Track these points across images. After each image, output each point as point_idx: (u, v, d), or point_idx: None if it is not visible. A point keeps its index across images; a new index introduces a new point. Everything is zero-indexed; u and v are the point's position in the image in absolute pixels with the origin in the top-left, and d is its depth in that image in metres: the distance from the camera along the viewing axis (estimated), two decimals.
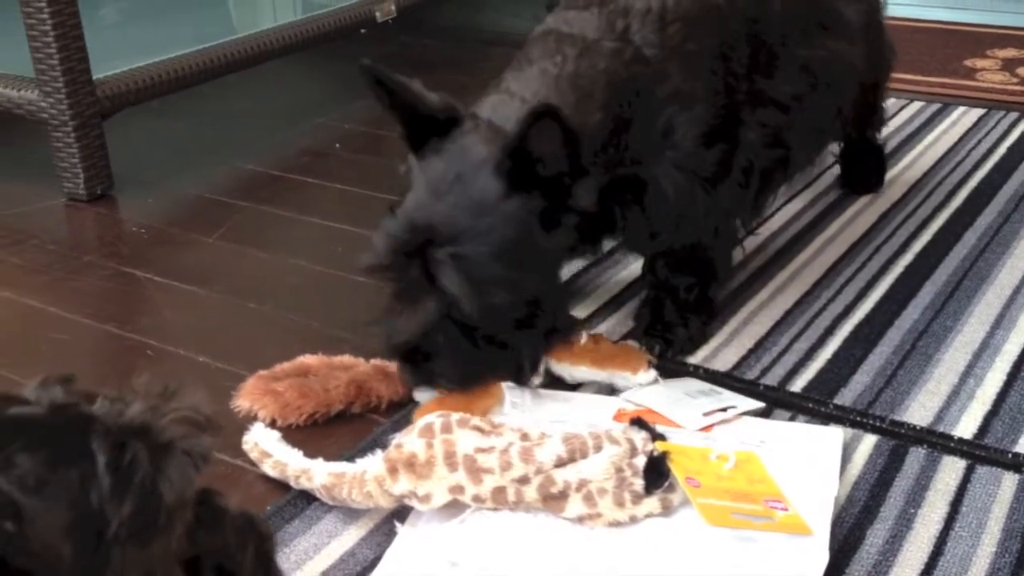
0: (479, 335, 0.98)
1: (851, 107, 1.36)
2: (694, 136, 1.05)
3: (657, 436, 0.90)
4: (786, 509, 0.86)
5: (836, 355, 1.15)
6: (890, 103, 1.90)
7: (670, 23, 1.05)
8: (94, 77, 1.61)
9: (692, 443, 0.94)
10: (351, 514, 0.92)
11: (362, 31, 2.21)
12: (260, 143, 1.89)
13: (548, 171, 0.94)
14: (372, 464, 0.90)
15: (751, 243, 1.41)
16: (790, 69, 1.16)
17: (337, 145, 1.87)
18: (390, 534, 0.89)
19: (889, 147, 1.71)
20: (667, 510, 0.87)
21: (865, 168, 1.55)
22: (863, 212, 1.50)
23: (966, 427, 1.01)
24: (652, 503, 0.86)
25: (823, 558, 0.82)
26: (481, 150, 0.95)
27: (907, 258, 1.36)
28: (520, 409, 1.00)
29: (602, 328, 1.20)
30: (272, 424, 1.02)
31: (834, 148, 1.56)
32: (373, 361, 1.08)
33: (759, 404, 1.04)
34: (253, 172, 1.76)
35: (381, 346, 1.03)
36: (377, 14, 2.13)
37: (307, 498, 0.93)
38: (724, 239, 1.18)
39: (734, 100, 1.09)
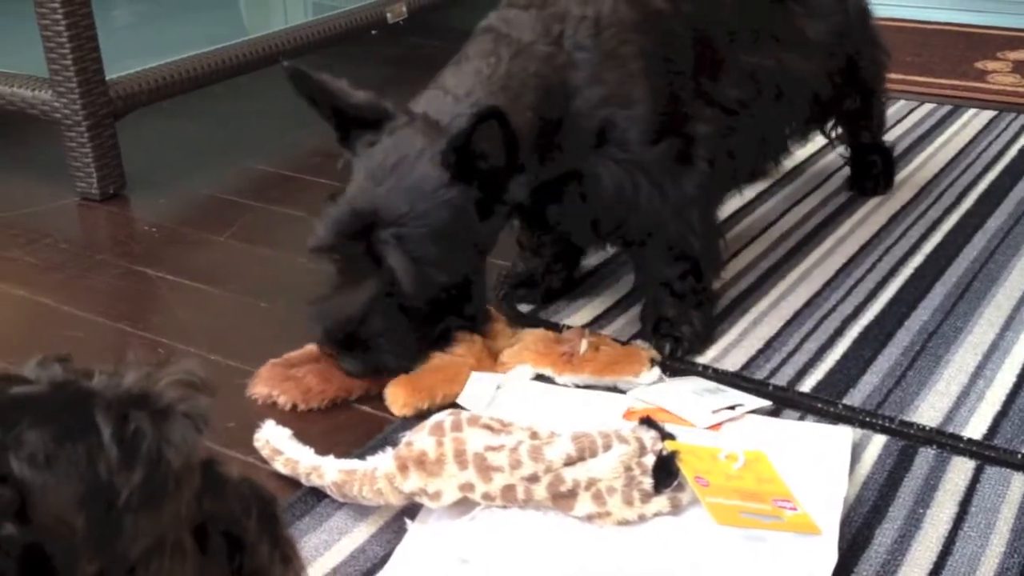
0: (413, 316, 1.05)
1: (818, 115, 1.42)
2: (638, 133, 1.09)
3: (666, 435, 0.91)
4: (795, 509, 0.86)
5: (845, 356, 1.15)
6: (900, 105, 1.90)
7: (605, 28, 1.08)
8: (107, 77, 1.62)
9: (701, 442, 0.94)
10: (361, 511, 0.92)
11: (373, 32, 2.22)
12: (271, 143, 1.90)
13: (486, 165, 1.01)
14: (383, 462, 0.90)
15: (762, 243, 1.41)
16: (735, 74, 1.19)
17: None
18: (400, 531, 0.89)
19: (900, 149, 1.70)
20: (676, 509, 0.87)
21: (873, 170, 1.56)
22: (873, 213, 1.50)
23: (975, 428, 1.01)
24: (661, 502, 0.86)
25: (832, 557, 0.82)
26: (419, 141, 1.02)
27: (917, 259, 1.36)
28: (509, 393, 1.00)
29: (610, 329, 1.21)
30: (292, 409, 1.03)
31: (843, 150, 1.57)
32: None
33: (766, 402, 1.04)
34: (264, 172, 1.77)
35: (316, 333, 1.07)
36: (388, 15, 2.13)
37: (318, 495, 0.94)
38: (699, 226, 1.16)
39: (679, 99, 1.12)
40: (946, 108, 1.91)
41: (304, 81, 1.07)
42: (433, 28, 2.54)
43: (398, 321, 1.05)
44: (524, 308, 1.26)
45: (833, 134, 1.54)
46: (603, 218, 1.13)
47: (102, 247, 1.52)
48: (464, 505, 0.88)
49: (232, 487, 0.51)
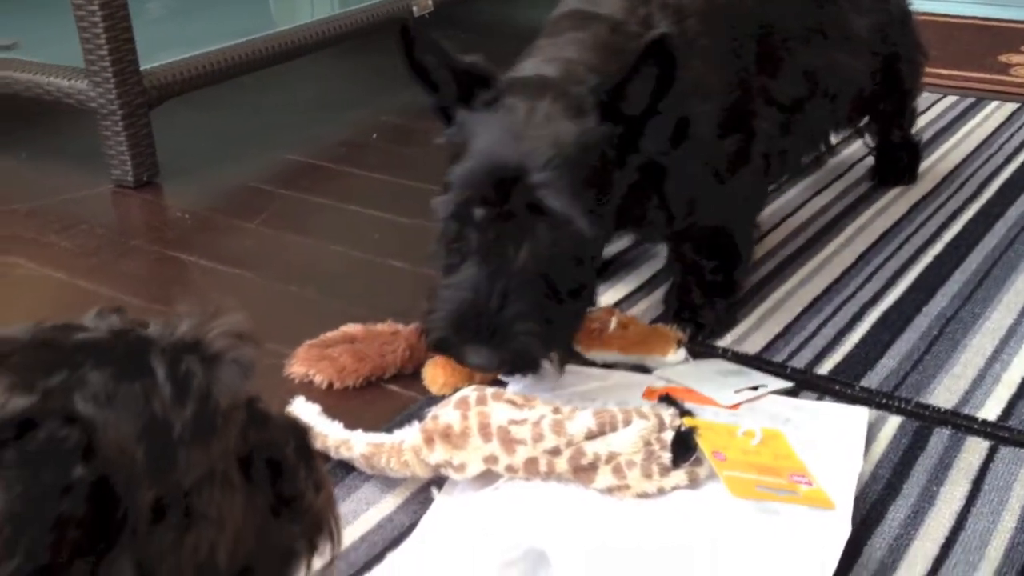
0: (552, 297, 0.94)
1: (859, 113, 1.42)
2: (710, 127, 1.09)
3: (685, 412, 0.93)
4: (810, 484, 0.88)
5: (864, 340, 1.17)
6: (924, 97, 1.91)
7: (687, 17, 1.08)
8: (141, 68, 1.66)
9: (719, 420, 0.96)
10: (389, 483, 0.95)
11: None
12: (299, 134, 1.93)
13: (630, 110, 0.96)
14: (409, 435, 0.93)
15: (782, 232, 1.43)
16: (792, 72, 1.20)
17: (374, 136, 1.91)
18: (426, 502, 0.92)
19: (922, 140, 1.72)
20: (694, 483, 0.89)
21: (899, 162, 1.57)
22: (894, 202, 1.52)
23: (991, 409, 1.03)
24: (679, 475, 0.89)
25: (845, 530, 0.84)
26: (550, 95, 0.95)
27: (937, 247, 1.37)
28: (540, 376, 1.03)
29: (634, 311, 1.23)
30: (329, 387, 1.08)
31: (868, 140, 1.58)
32: (412, 326, 1.12)
33: (787, 384, 1.06)
34: (293, 161, 1.81)
35: (436, 321, 0.95)
36: (414, 9, 2.16)
37: (346, 468, 0.97)
38: (744, 224, 1.21)
39: (746, 94, 1.13)
40: (969, 100, 1.91)
41: (420, 40, 1.00)
42: (459, 21, 2.56)
43: (544, 301, 0.93)
44: None
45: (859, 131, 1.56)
46: (676, 213, 1.10)
47: (136, 233, 1.56)
48: (488, 477, 0.91)
49: (273, 421, 0.55)
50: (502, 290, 0.91)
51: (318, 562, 0.58)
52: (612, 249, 1.36)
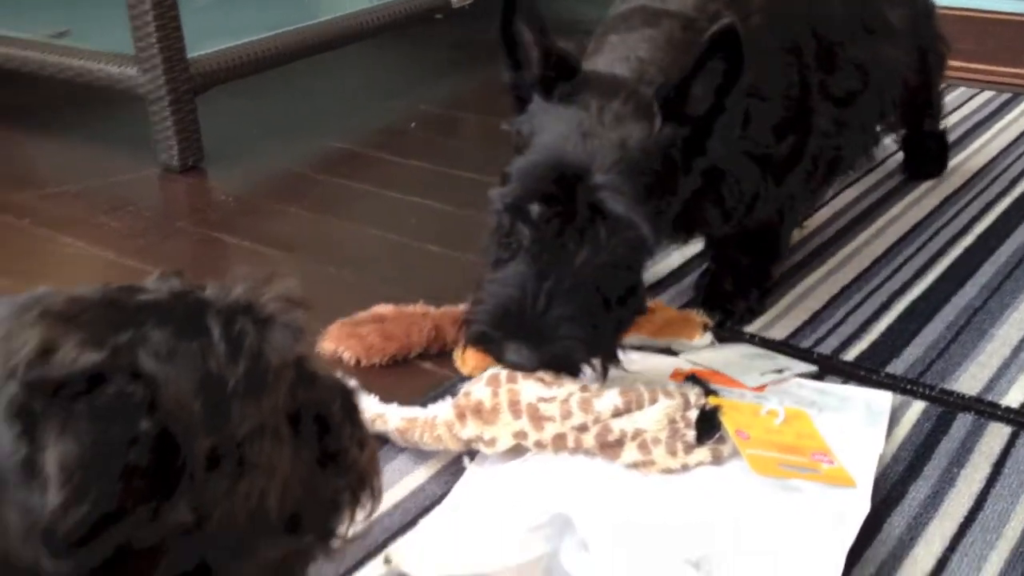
0: (601, 302, 0.93)
1: (899, 105, 1.41)
2: (768, 127, 1.10)
3: (710, 392, 0.95)
4: (832, 462, 0.90)
5: (890, 328, 1.18)
6: (960, 92, 1.91)
7: (752, 14, 1.08)
8: (189, 55, 1.70)
9: (744, 401, 0.98)
10: (422, 455, 0.99)
11: (438, 16, 2.29)
12: (341, 121, 1.98)
13: (694, 111, 0.95)
14: (442, 410, 0.97)
15: (814, 221, 1.44)
16: (847, 67, 1.22)
17: (413, 124, 1.95)
18: (457, 473, 0.95)
19: (957, 134, 1.72)
20: (717, 460, 0.91)
21: (927, 155, 1.58)
22: (926, 195, 1.53)
23: (1014, 397, 1.05)
24: (703, 453, 0.91)
25: (864, 508, 0.86)
26: (622, 95, 0.95)
27: (968, 239, 1.38)
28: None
29: (663, 297, 1.26)
30: (356, 364, 1.12)
31: (895, 136, 1.59)
32: (443, 308, 1.15)
33: (812, 368, 1.08)
34: (334, 148, 1.85)
35: (479, 317, 0.93)
36: (453, 0, 2.20)
37: (381, 440, 1.00)
38: (788, 222, 1.23)
39: (806, 92, 1.14)
40: (1005, 96, 1.91)
41: (523, 11, 0.97)
42: (497, 12, 2.60)
43: (592, 304, 0.92)
44: None
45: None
46: (735, 215, 1.11)
47: (181, 215, 1.61)
48: (517, 452, 0.94)
49: (321, 380, 0.58)
50: (550, 290, 0.90)
51: (360, 515, 0.61)
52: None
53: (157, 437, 0.45)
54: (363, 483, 0.61)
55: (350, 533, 0.60)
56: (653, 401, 0.94)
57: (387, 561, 0.80)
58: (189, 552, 0.49)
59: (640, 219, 0.90)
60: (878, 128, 1.39)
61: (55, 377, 0.44)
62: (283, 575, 0.56)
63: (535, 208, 0.91)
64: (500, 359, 0.94)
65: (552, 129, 0.94)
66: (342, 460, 0.58)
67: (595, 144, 0.91)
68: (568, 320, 0.90)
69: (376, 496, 0.62)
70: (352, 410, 0.60)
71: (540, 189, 0.91)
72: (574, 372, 0.94)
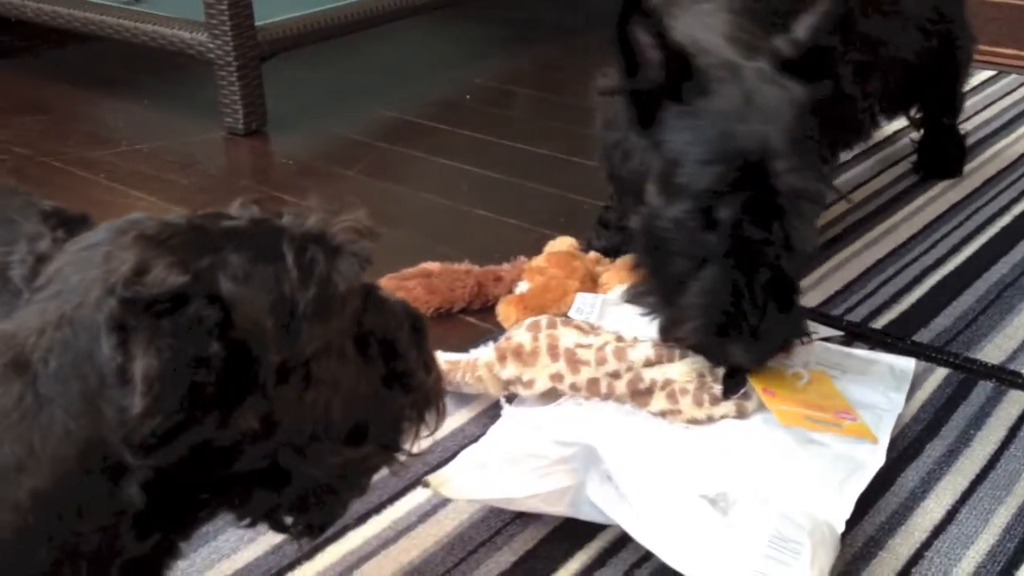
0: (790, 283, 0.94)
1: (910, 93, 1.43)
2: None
3: None
4: (854, 419, 0.95)
5: (921, 300, 1.22)
6: (1011, 79, 1.92)
7: None
8: (257, 23, 1.78)
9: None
10: (463, 399, 1.05)
11: None
12: (398, 91, 2.04)
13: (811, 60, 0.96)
14: (484, 352, 1.03)
15: (853, 198, 1.48)
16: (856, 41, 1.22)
17: (467, 96, 2.01)
18: (495, 416, 1.01)
19: (1004, 120, 1.74)
20: (742, 414, 0.96)
21: (943, 154, 1.56)
22: (966, 177, 1.55)
23: None
24: (728, 406, 0.96)
25: (879, 460, 0.91)
26: (755, 76, 0.95)
27: (1005, 219, 1.41)
28: (584, 317, 1.11)
29: None
30: None
31: (913, 134, 1.59)
32: (487, 267, 1.22)
33: (839, 333, 1.13)
34: (390, 117, 1.92)
35: (691, 322, 0.94)
36: None
37: None
38: None
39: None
40: None
41: (642, 12, 0.93)
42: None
43: (787, 287, 0.94)
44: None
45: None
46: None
47: (244, 175, 1.69)
48: (552, 397, 1.00)
49: (389, 306, 0.63)
50: (753, 289, 0.91)
51: (425, 432, 0.66)
52: None
53: (229, 353, 0.51)
54: (428, 403, 0.65)
55: (415, 449, 0.65)
56: (683, 356, 0.99)
57: (425, 485, 0.86)
58: (262, 453, 0.55)
59: (822, 188, 0.92)
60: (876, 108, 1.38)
61: (146, 296, 0.49)
62: (349, 479, 0.61)
63: (725, 213, 0.90)
64: (720, 362, 0.96)
65: (706, 131, 0.92)
66: (408, 381, 0.63)
67: (761, 133, 0.90)
68: (774, 314, 0.92)
69: (441, 414, 0.67)
70: (420, 336, 0.64)
71: (724, 190, 0.90)
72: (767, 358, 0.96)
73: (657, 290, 1.00)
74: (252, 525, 0.61)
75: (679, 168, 0.93)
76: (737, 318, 0.92)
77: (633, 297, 1.04)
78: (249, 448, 0.54)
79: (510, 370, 1.00)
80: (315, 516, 0.62)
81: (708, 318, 0.93)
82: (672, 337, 0.98)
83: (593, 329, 1.01)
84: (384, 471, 0.65)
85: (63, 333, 0.51)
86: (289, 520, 0.61)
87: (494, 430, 0.97)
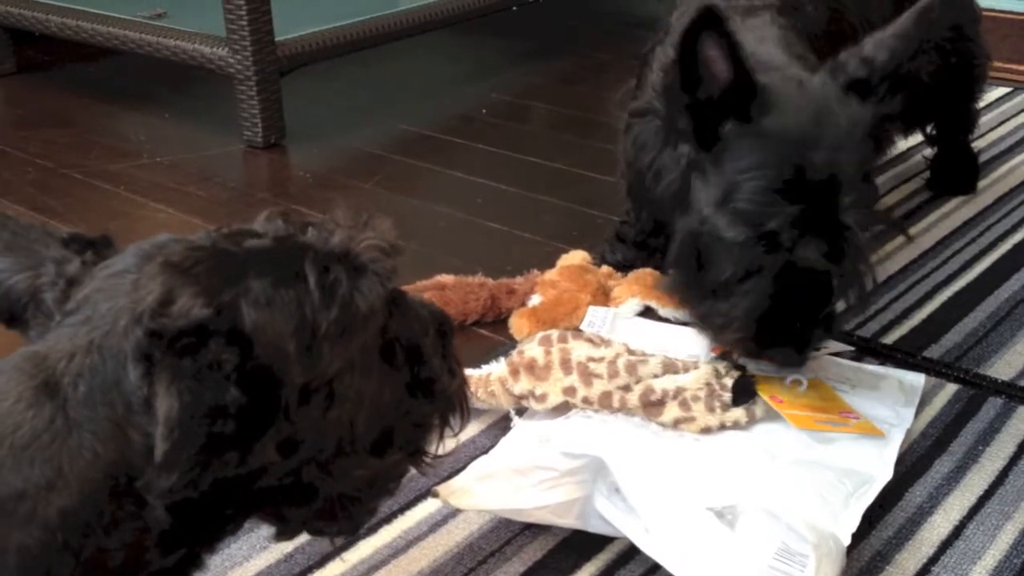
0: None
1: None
2: None
3: (738, 367, 1.01)
4: (858, 418, 0.96)
5: (932, 316, 1.22)
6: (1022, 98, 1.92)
7: None
8: (276, 38, 1.81)
9: (778, 374, 1.04)
10: (474, 412, 1.05)
11: (514, 8, 2.36)
12: (415, 106, 2.07)
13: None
14: (496, 367, 1.04)
15: None
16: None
17: (483, 111, 2.03)
18: (505, 429, 1.02)
19: (1018, 136, 1.74)
20: (751, 420, 0.97)
21: (956, 171, 1.56)
22: (981, 193, 1.55)
23: None
24: (739, 412, 0.96)
25: (887, 474, 0.91)
26: (822, 96, 0.95)
27: (1017, 236, 1.41)
28: (596, 330, 1.12)
29: None
30: None
31: (927, 151, 1.59)
32: (500, 280, 1.23)
33: (848, 348, 1.13)
34: (406, 131, 1.94)
35: (740, 325, 0.96)
36: None
37: None
38: None
39: None
40: None
41: (715, 28, 0.92)
42: (572, 7, 2.66)
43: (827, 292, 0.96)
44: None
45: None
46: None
47: (263, 188, 1.71)
48: (563, 410, 1.01)
49: (415, 312, 0.64)
50: (799, 294, 0.93)
51: (450, 434, 0.67)
52: None
53: (250, 387, 0.51)
54: (452, 407, 0.67)
55: (440, 451, 0.66)
56: (687, 370, 1.00)
57: (435, 495, 0.88)
58: (285, 471, 0.56)
59: (884, 223, 0.97)
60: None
61: (172, 329, 0.50)
62: (377, 488, 0.63)
63: (787, 239, 0.91)
64: (767, 359, 1.00)
65: (773, 155, 0.93)
66: (433, 387, 0.64)
67: (831, 162, 0.92)
68: (817, 322, 0.96)
69: (465, 418, 0.67)
70: (444, 340, 0.65)
71: (788, 213, 0.91)
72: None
73: (696, 295, 1.01)
74: (281, 537, 0.62)
75: (742, 192, 0.93)
76: (782, 330, 0.95)
77: (674, 292, 1.06)
78: (272, 468, 0.55)
79: (523, 384, 1.01)
80: (344, 524, 0.63)
81: (754, 328, 0.95)
82: (720, 341, 1.00)
83: (604, 342, 1.03)
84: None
85: (92, 359, 0.52)
86: (320, 526, 0.62)
87: (504, 442, 0.99)
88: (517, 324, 1.20)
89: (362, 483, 0.61)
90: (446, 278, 1.27)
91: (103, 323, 0.53)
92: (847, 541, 0.81)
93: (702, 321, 1.02)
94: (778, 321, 0.94)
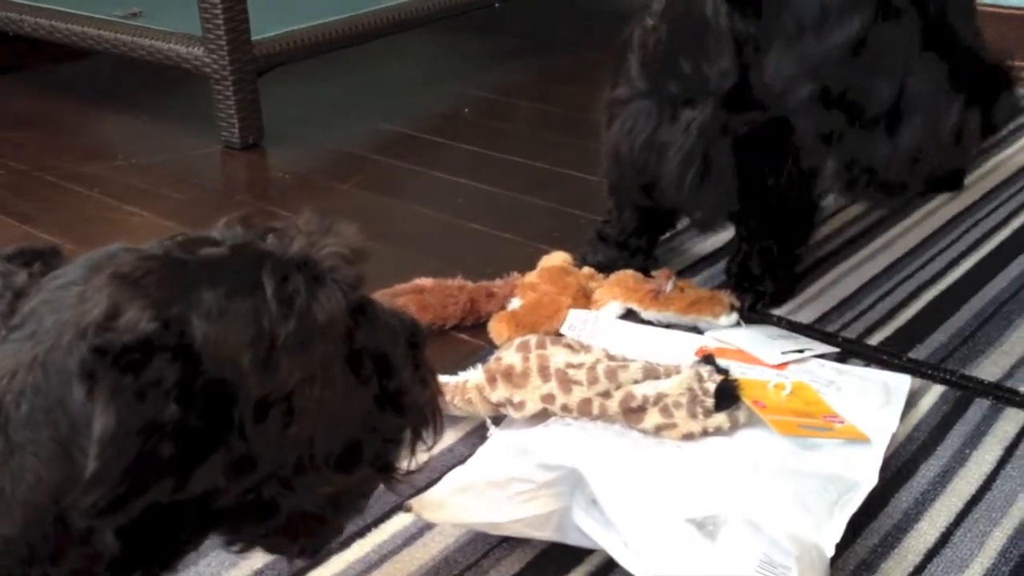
0: None
1: None
2: None
3: (721, 370, 0.99)
4: (843, 422, 0.94)
5: (917, 316, 1.20)
6: None
7: None
8: (253, 37, 1.78)
9: (752, 376, 1.02)
10: (452, 420, 1.03)
11: (496, 5, 2.34)
12: (395, 104, 2.04)
13: None
14: (473, 374, 1.02)
15: (852, 211, 1.47)
16: None
17: (466, 110, 2.00)
18: (484, 436, 1.00)
19: (1004, 131, 1.73)
20: (734, 425, 0.95)
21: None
22: (967, 189, 1.53)
23: None
24: (721, 418, 0.94)
25: (872, 481, 0.89)
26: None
27: (1004, 233, 1.40)
28: (576, 334, 1.10)
29: (697, 279, 1.29)
30: None
31: None
32: (480, 283, 1.21)
33: (833, 349, 1.11)
34: (387, 130, 1.91)
35: None
36: None
37: None
38: (816, 204, 1.26)
39: None
40: None
41: None
42: (555, 1, 2.64)
43: None
44: None
45: None
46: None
47: (240, 189, 1.69)
48: (542, 418, 0.98)
49: (383, 322, 0.61)
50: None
51: (422, 448, 0.64)
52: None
53: (197, 404, 0.49)
54: (424, 420, 0.64)
55: (411, 467, 0.64)
56: (668, 375, 0.98)
57: (407, 509, 0.85)
58: (242, 489, 0.53)
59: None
60: None
61: (117, 344, 0.48)
62: (343, 506, 0.60)
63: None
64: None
65: None
66: (403, 400, 0.61)
67: None
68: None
69: (438, 431, 0.64)
70: (415, 349, 0.63)
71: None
72: None
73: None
74: (243, 551, 0.60)
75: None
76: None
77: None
78: (230, 487, 0.53)
79: (500, 392, 0.99)
80: (307, 542, 0.60)
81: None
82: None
83: (583, 348, 1.00)
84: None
85: (35, 377, 0.50)
86: (281, 544, 0.60)
87: (479, 453, 0.96)
88: (497, 328, 1.17)
89: (326, 500, 0.58)
90: (425, 281, 1.25)
91: (47, 338, 0.50)
92: (831, 552, 0.79)
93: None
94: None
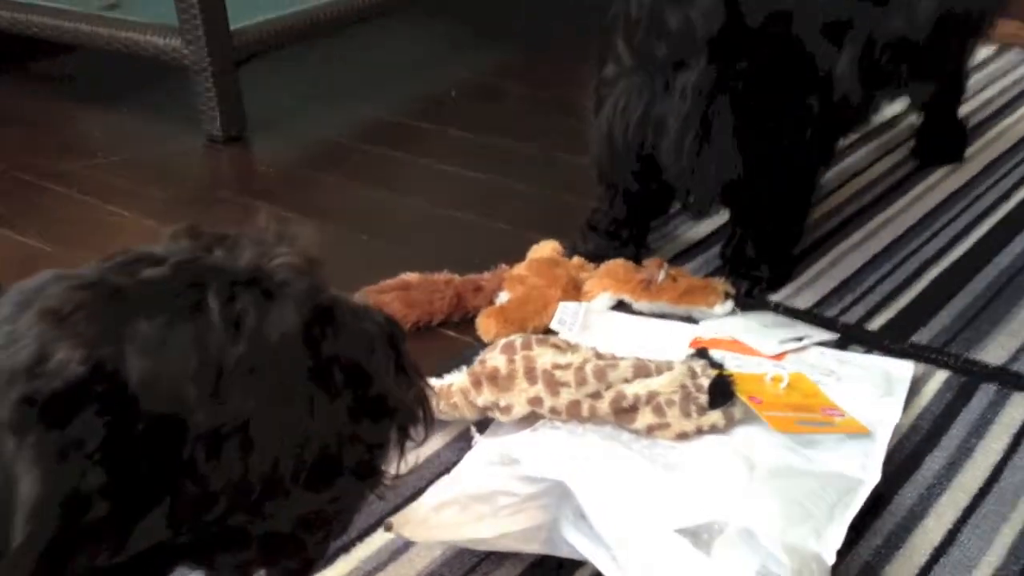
0: None
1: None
2: None
3: (715, 364, 0.95)
4: (842, 415, 0.91)
5: (919, 297, 1.16)
6: (1012, 56, 1.86)
7: None
8: (232, 27, 1.73)
9: (748, 370, 0.98)
10: (437, 425, 1.00)
11: None
12: (381, 91, 1.99)
13: None
14: (458, 378, 0.98)
15: (849, 190, 1.42)
16: None
17: (453, 93, 1.95)
18: (470, 442, 0.97)
19: (1006, 99, 1.68)
20: (730, 422, 0.91)
21: (945, 138, 1.50)
22: (967, 162, 1.49)
23: None
24: (716, 416, 0.91)
25: (875, 477, 0.86)
26: None
27: (1008, 206, 1.35)
28: (567, 327, 1.06)
29: (689, 266, 1.25)
30: None
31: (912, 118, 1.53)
32: (466, 276, 1.17)
33: (833, 336, 1.07)
34: (374, 118, 1.87)
35: None
36: None
37: None
38: (810, 185, 1.21)
39: None
40: None
41: None
42: None
43: None
44: None
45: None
46: None
47: (224, 185, 1.65)
48: (529, 422, 0.95)
49: (354, 327, 0.55)
50: None
51: (411, 445, 0.59)
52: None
53: (131, 457, 0.45)
54: (412, 419, 0.59)
55: (403, 470, 0.60)
56: (659, 372, 0.94)
57: (387, 528, 0.82)
58: (207, 521, 0.50)
59: None
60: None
61: (45, 392, 0.44)
62: (321, 523, 0.56)
63: None
64: None
65: None
66: (383, 405, 0.57)
67: None
68: None
69: (429, 426, 0.60)
70: (394, 350, 0.58)
71: None
72: None
73: None
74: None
75: None
76: None
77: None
78: (191, 524, 0.49)
79: (486, 396, 0.95)
80: (292, 563, 0.57)
81: None
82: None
83: (571, 347, 0.97)
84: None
85: None
86: (253, 570, 0.56)
87: (462, 465, 0.93)
88: (484, 324, 1.14)
89: (303, 521, 0.55)
90: (411, 276, 1.21)
91: None
92: (832, 560, 0.76)
93: None
94: None
